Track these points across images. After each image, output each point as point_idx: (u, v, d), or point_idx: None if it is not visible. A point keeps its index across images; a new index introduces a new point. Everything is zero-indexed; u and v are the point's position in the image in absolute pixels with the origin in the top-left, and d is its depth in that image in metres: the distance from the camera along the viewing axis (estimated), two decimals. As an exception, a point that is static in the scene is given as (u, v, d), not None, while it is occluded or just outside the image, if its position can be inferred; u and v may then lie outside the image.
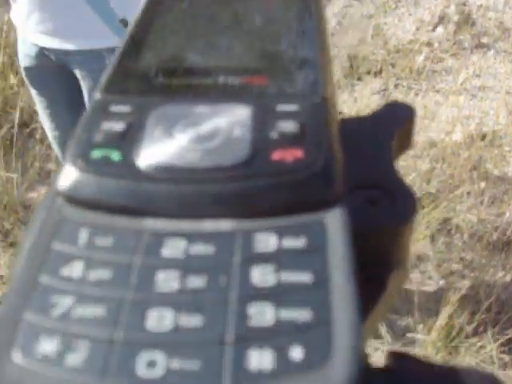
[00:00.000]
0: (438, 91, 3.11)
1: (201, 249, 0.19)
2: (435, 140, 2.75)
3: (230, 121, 0.22)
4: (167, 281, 0.19)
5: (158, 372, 0.17)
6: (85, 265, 0.19)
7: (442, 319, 1.99)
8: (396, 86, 3.16)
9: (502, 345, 1.99)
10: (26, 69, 1.90)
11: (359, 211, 0.22)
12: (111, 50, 1.77)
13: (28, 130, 2.83)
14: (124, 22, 1.76)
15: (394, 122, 0.29)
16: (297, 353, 0.17)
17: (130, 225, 0.20)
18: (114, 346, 0.17)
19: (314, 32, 0.28)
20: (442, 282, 2.22)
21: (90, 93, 1.84)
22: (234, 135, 0.22)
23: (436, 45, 3.33)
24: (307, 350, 0.17)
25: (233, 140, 0.22)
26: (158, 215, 0.20)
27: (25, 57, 1.88)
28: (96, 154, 0.22)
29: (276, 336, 0.17)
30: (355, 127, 0.26)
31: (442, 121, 2.91)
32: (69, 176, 0.22)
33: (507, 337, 2.00)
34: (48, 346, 0.17)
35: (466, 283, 2.18)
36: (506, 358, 1.98)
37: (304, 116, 0.23)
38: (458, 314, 2.02)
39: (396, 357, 0.22)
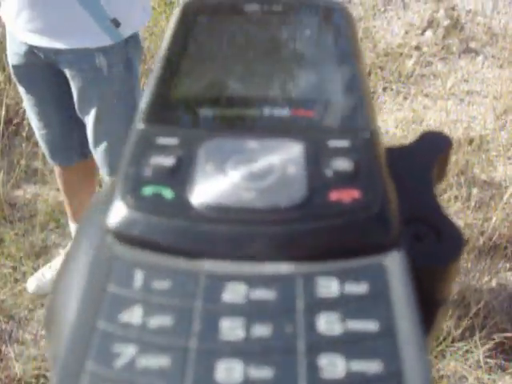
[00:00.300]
0: (426, 95, 3.12)
1: (262, 293, 0.19)
2: (423, 144, 2.76)
3: (282, 158, 0.22)
4: (232, 329, 0.18)
5: None
6: (144, 310, 0.18)
7: (428, 323, 1.99)
8: (384, 89, 3.17)
9: (489, 349, 2.00)
10: (15, 67, 1.88)
11: (410, 251, 0.21)
12: (102, 50, 1.76)
13: (14, 128, 2.81)
14: (115, 22, 1.75)
15: (433, 153, 0.28)
16: None
17: (186, 266, 0.19)
18: None
19: (353, 59, 0.27)
20: (428, 286, 2.23)
21: (79, 92, 1.83)
22: (288, 173, 0.21)
23: (425, 49, 3.35)
24: None
25: (287, 179, 0.21)
26: (213, 257, 0.20)
27: (14, 55, 1.86)
28: (147, 191, 0.21)
29: None
30: (395, 158, 0.25)
31: (430, 125, 2.92)
32: (119, 213, 0.21)
33: (494, 341, 2.01)
34: None
35: (453, 288, 2.19)
36: (493, 362, 1.99)
37: (356, 153, 0.22)
38: (445, 318, 2.02)
39: None
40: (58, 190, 2.54)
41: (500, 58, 3.30)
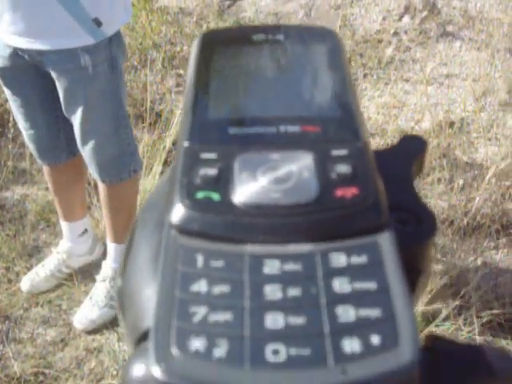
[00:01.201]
0: (406, 80, 3.16)
1: (291, 266, 0.26)
2: (404, 128, 2.81)
3: (298, 166, 0.29)
4: (273, 292, 0.25)
5: (281, 357, 0.23)
6: (207, 282, 0.25)
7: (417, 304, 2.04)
8: (365, 75, 3.21)
9: (476, 327, 2.05)
10: (0, 69, 1.90)
11: (396, 232, 0.28)
12: (86, 49, 1.78)
13: (0, 129, 2.82)
14: (97, 21, 1.76)
15: (412, 154, 0.36)
16: (375, 340, 0.23)
17: (233, 250, 0.27)
18: (245, 341, 0.23)
19: (346, 82, 0.34)
20: (416, 268, 2.27)
21: (65, 92, 1.85)
22: (303, 177, 0.28)
23: (403, 34, 3.38)
24: (382, 337, 0.23)
25: (303, 182, 0.28)
26: (253, 242, 0.27)
27: (-1, 57, 1.88)
28: (200, 195, 0.28)
29: (359, 327, 0.24)
30: (381, 159, 0.31)
31: (411, 109, 2.96)
32: (180, 213, 0.28)
33: (481, 320, 2.06)
34: (197, 344, 0.24)
35: (439, 268, 2.23)
36: (481, 339, 2.04)
37: (353, 159, 0.29)
38: (433, 298, 2.07)
39: (431, 338, 0.29)
40: (46, 189, 2.56)
41: (477, 41, 3.34)
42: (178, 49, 3.31)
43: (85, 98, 1.84)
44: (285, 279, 0.25)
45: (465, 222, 2.36)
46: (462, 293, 2.12)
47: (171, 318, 0.24)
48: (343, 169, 0.29)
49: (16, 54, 1.82)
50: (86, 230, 2.33)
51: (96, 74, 1.81)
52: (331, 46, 0.37)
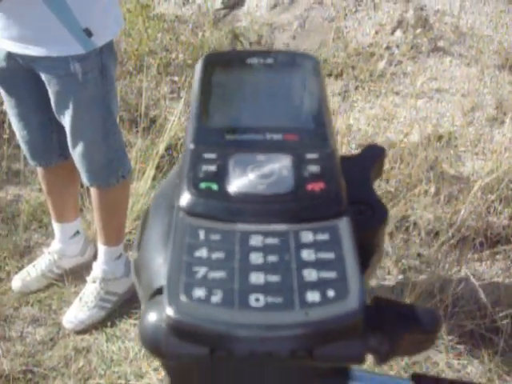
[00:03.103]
0: (396, 93, 3.21)
1: (271, 240, 0.34)
2: (394, 141, 2.85)
3: (279, 165, 0.37)
4: (256, 258, 0.34)
5: (261, 303, 0.31)
6: (207, 250, 0.34)
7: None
8: (356, 88, 3.26)
9: (459, 336, 2.10)
10: (-4, 70, 1.93)
11: (354, 219, 0.36)
12: (76, 58, 1.81)
13: (-5, 130, 2.85)
14: (87, 32, 1.80)
15: (372, 159, 0.45)
16: (331, 293, 0.32)
17: (227, 227, 0.35)
18: (235, 292, 0.32)
19: (322, 100, 0.43)
20: (400, 277, 2.32)
21: (56, 97, 1.89)
22: (283, 174, 0.37)
23: (394, 48, 3.44)
24: (336, 292, 0.32)
25: (282, 177, 0.37)
26: (242, 222, 0.35)
27: (-5, 58, 1.91)
28: (202, 185, 0.37)
29: (319, 284, 0.32)
30: (346, 163, 0.40)
31: (400, 122, 3.01)
32: (187, 199, 0.36)
33: (462, 330, 2.10)
34: (199, 292, 0.32)
35: (423, 278, 2.28)
36: (462, 348, 2.09)
37: (323, 161, 0.38)
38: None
39: (377, 298, 0.36)
40: (39, 190, 2.60)
41: (467, 57, 3.40)
42: (174, 56, 3.35)
43: (74, 103, 1.87)
44: (266, 249, 0.34)
45: (450, 233, 2.41)
46: (445, 303, 2.16)
47: (180, 275, 0.33)
48: (314, 168, 0.37)
49: (11, 56, 1.85)
50: (77, 232, 2.36)
51: (86, 80, 1.84)
52: (312, 69, 0.45)
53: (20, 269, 2.38)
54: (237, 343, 0.31)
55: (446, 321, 2.13)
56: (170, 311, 0.31)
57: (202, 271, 0.33)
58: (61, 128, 1.97)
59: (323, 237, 0.34)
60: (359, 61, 3.37)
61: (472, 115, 3.05)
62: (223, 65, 0.47)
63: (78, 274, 2.37)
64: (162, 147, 2.66)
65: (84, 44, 1.80)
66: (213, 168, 0.37)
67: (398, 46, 3.44)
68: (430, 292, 2.22)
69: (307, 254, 0.33)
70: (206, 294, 0.32)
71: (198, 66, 0.46)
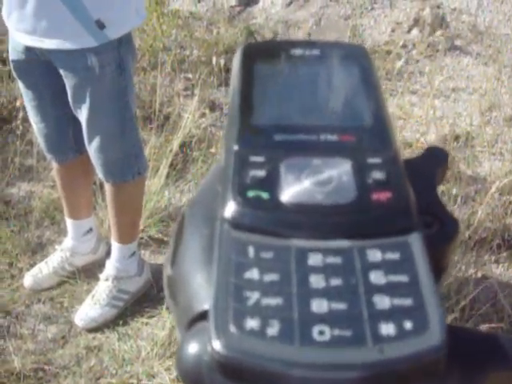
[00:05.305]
0: (413, 92, 3.18)
1: (332, 260, 0.29)
2: (410, 140, 2.82)
3: (338, 171, 0.32)
4: (317, 281, 0.28)
5: (326, 337, 0.26)
6: (258, 271, 0.29)
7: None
8: (372, 86, 3.22)
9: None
10: (14, 62, 1.92)
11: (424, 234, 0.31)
12: (93, 50, 1.79)
13: (8, 126, 2.84)
14: (99, 24, 1.78)
15: (436, 164, 0.39)
16: (408, 325, 0.27)
17: (281, 243, 0.30)
18: (294, 323, 0.27)
19: (378, 94, 0.37)
20: (416, 279, 2.28)
21: (72, 90, 1.87)
22: (343, 181, 0.31)
23: (411, 47, 3.40)
24: (414, 323, 0.27)
25: (343, 185, 0.31)
26: (298, 237, 0.30)
27: (13, 50, 1.91)
28: (250, 193, 0.31)
29: (393, 314, 0.27)
30: (408, 167, 0.34)
31: (417, 122, 2.98)
32: (233, 209, 0.31)
33: (479, 332, 2.07)
34: (252, 323, 0.27)
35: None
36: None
37: (387, 166, 0.32)
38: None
39: (450, 327, 0.30)
40: (52, 187, 2.58)
41: (485, 56, 3.36)
42: (188, 53, 3.33)
43: (91, 97, 1.85)
44: (327, 270, 0.29)
45: (466, 235, 2.37)
46: (461, 305, 2.13)
47: (228, 301, 0.28)
48: (378, 175, 0.32)
49: (28, 49, 1.85)
50: (90, 229, 2.35)
51: (103, 74, 1.83)
52: (363, 62, 0.40)
53: (32, 266, 2.37)
54: None
55: (461, 324, 2.10)
56: (217, 345, 0.27)
57: (254, 297, 0.28)
58: (77, 123, 1.96)
59: (393, 256, 0.29)
60: (375, 59, 3.34)
61: (489, 115, 3.01)
62: (265, 56, 0.41)
63: (90, 271, 2.36)
64: (175, 145, 2.64)
65: (96, 36, 1.78)
66: (262, 173, 0.32)
67: (414, 45, 3.40)
68: (447, 294, 2.18)
69: (376, 277, 0.28)
70: (261, 325, 0.27)
71: (237, 58, 0.40)
